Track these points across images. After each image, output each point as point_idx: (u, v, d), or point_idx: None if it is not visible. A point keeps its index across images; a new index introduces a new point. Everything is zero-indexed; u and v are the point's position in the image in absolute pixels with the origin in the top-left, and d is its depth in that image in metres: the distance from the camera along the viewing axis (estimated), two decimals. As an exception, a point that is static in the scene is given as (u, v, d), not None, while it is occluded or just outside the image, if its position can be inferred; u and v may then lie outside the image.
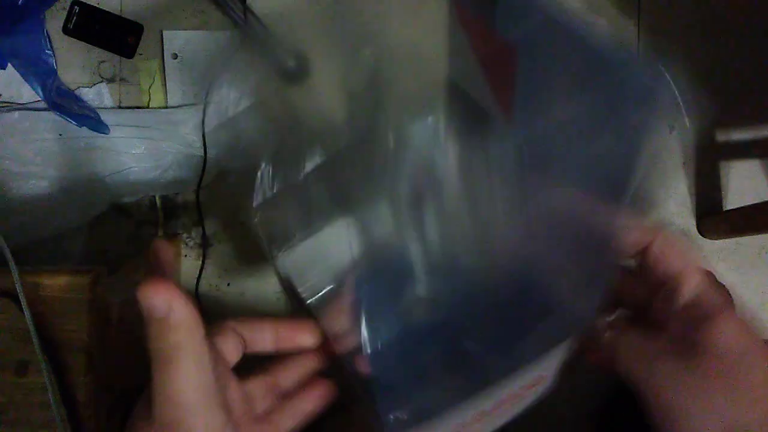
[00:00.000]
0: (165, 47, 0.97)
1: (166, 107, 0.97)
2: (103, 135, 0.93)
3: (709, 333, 0.28)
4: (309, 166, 0.29)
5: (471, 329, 0.28)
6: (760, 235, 0.92)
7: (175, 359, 0.25)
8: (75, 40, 0.96)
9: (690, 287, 0.29)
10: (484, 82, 0.26)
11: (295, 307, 0.31)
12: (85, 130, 0.92)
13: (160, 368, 0.25)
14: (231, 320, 0.31)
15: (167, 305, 0.25)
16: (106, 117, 0.93)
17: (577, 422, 0.92)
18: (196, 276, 0.96)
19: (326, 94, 0.98)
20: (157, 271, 0.27)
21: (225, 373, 0.30)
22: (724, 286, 0.30)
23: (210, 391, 0.26)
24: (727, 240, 0.95)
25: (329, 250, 0.29)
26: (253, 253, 0.97)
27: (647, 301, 0.31)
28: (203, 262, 0.97)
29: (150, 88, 0.98)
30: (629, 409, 0.31)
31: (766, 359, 0.28)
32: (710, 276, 0.29)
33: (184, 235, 0.98)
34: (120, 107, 0.98)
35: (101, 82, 0.98)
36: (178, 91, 0.97)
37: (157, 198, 0.97)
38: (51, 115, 0.91)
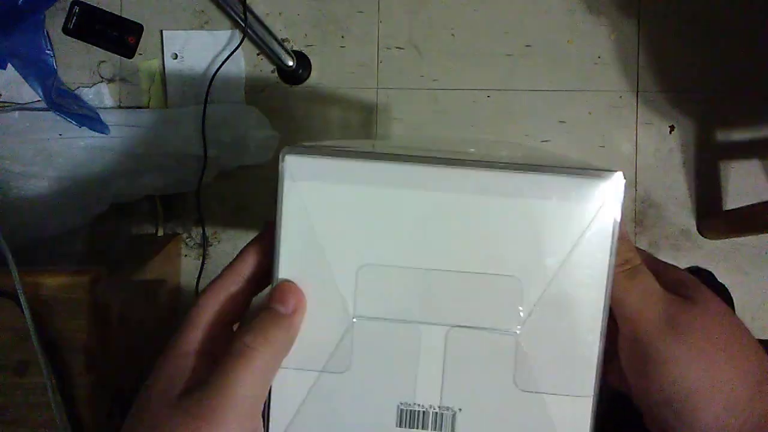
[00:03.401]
0: (165, 47, 0.97)
1: (166, 107, 0.97)
2: (103, 135, 0.93)
3: (703, 293, 0.27)
4: None
5: None
6: (760, 235, 0.92)
7: (260, 353, 0.25)
8: (75, 40, 0.96)
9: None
10: None
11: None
12: (85, 130, 0.92)
13: (240, 355, 0.25)
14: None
15: (294, 306, 0.26)
16: (106, 117, 0.93)
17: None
18: (196, 276, 0.96)
19: (326, 94, 0.98)
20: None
21: None
22: None
23: (259, 399, 0.26)
24: (727, 240, 0.95)
25: None
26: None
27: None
28: (203, 262, 0.97)
29: (150, 88, 0.98)
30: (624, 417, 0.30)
31: (752, 337, 0.27)
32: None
33: (184, 235, 0.98)
34: (120, 107, 0.98)
35: (101, 82, 0.98)
36: (178, 91, 0.97)
37: (157, 198, 0.97)
38: (51, 115, 0.91)
